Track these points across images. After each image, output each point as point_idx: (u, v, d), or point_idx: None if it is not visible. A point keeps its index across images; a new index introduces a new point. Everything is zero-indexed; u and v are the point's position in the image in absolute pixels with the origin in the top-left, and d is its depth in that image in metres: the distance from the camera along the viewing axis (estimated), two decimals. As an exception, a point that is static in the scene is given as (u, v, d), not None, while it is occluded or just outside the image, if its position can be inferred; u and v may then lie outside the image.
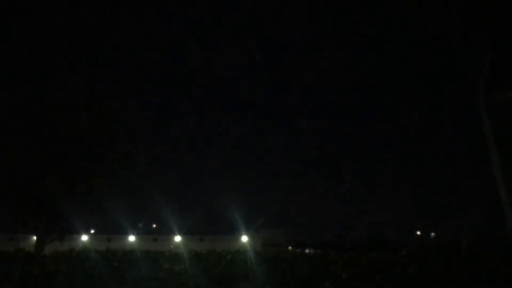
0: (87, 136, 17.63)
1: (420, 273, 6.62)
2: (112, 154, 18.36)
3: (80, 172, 17.57)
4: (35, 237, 18.72)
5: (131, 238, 40.20)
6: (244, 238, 39.97)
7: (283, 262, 7.45)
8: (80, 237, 36.60)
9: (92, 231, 38.15)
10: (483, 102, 3.21)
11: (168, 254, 8.20)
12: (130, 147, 18.69)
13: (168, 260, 8.01)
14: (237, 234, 40.36)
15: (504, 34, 3.73)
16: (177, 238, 40.16)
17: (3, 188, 16.93)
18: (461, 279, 6.37)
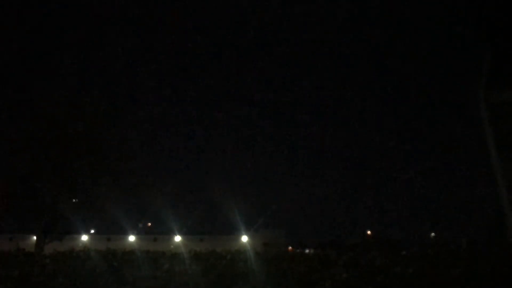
0: (85, 137, 17.62)
1: (420, 273, 6.62)
2: (110, 155, 18.34)
3: (79, 172, 17.55)
4: (35, 237, 18.70)
5: (131, 238, 40.19)
6: (244, 238, 39.95)
7: (283, 262, 7.44)
8: (80, 237, 36.60)
9: (92, 231, 38.16)
10: (483, 101, 3.21)
11: (168, 254, 8.19)
12: (128, 148, 18.68)
13: (168, 260, 8.00)
14: (237, 234, 40.36)
15: (504, 34, 3.73)
16: (177, 238, 40.14)
17: (4, 189, 16.91)
18: (461, 279, 6.37)
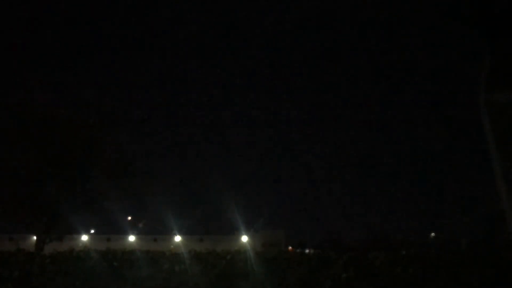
0: (83, 138, 17.61)
1: (420, 273, 6.62)
2: (109, 155, 18.34)
3: (78, 172, 17.55)
4: (35, 237, 18.71)
5: (131, 238, 40.18)
6: (244, 238, 39.96)
7: (283, 262, 7.44)
8: (80, 237, 36.59)
9: (92, 231, 38.17)
10: (483, 102, 3.21)
11: (168, 254, 8.19)
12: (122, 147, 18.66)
13: (168, 260, 8.00)
14: (237, 234, 40.37)
15: (504, 35, 3.73)
16: (177, 238, 40.14)
17: (4, 189, 16.91)
18: (461, 279, 6.37)
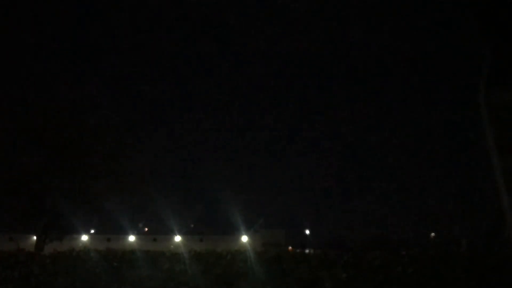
0: (83, 137, 17.63)
1: (420, 273, 6.62)
2: (110, 155, 18.35)
3: (78, 172, 17.56)
4: (35, 237, 18.71)
5: (131, 238, 40.18)
6: (244, 238, 39.97)
7: (283, 262, 7.44)
8: (80, 237, 36.57)
9: (92, 231, 38.17)
10: (483, 102, 3.21)
11: (168, 254, 8.19)
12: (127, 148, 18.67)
13: (168, 260, 8.00)
14: (237, 234, 40.38)
15: (504, 36, 3.73)
16: (177, 238, 40.14)
17: (3, 188, 16.92)
18: (461, 279, 6.37)
